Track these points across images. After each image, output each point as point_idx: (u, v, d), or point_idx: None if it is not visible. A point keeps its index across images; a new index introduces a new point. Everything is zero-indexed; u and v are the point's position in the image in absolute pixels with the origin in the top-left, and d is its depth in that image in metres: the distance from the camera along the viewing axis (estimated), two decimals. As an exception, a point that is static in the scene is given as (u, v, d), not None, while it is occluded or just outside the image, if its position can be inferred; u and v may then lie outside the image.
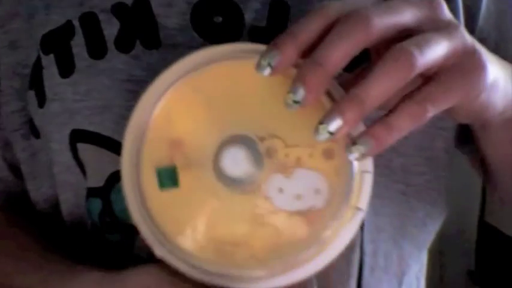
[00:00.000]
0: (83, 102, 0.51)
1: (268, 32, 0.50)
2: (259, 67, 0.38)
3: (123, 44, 0.51)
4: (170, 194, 0.42)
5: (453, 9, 0.51)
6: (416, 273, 0.59)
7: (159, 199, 0.42)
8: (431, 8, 0.39)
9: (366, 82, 0.36)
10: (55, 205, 0.56)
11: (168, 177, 0.42)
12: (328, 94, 0.41)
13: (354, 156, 0.38)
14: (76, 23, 0.52)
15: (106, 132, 0.51)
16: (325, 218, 0.41)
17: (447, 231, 0.62)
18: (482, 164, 0.56)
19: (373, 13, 0.37)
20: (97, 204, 0.52)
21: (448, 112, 0.39)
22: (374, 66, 0.36)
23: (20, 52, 0.55)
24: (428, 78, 0.38)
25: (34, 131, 0.55)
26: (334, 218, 0.41)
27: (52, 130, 0.53)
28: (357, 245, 0.52)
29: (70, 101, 0.52)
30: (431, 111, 0.37)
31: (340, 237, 0.42)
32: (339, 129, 0.37)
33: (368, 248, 0.52)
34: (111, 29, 0.51)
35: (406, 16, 0.38)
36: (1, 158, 0.59)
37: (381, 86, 0.36)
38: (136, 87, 0.50)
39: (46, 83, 0.53)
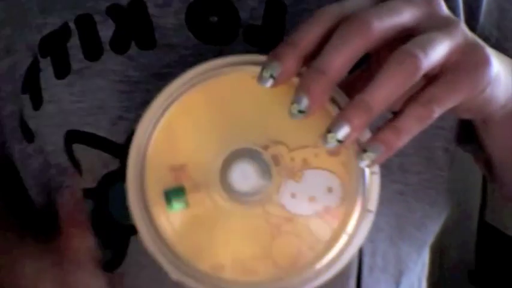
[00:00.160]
0: (78, 103, 0.51)
1: (264, 31, 0.50)
2: (261, 79, 0.38)
3: (119, 45, 0.51)
4: (180, 215, 0.42)
5: (453, 8, 0.51)
6: (418, 273, 0.59)
7: (169, 222, 0.42)
8: (430, 7, 0.39)
9: (371, 87, 0.36)
10: (43, 209, 0.56)
11: (177, 199, 0.41)
12: (330, 97, 0.40)
13: (365, 163, 0.38)
14: (72, 25, 0.52)
15: (101, 132, 0.51)
16: (341, 217, 0.41)
17: (447, 232, 0.62)
18: (487, 163, 0.56)
19: (373, 16, 0.37)
20: (89, 205, 0.52)
21: (451, 108, 0.39)
22: (378, 71, 0.36)
23: (13, 57, 0.55)
24: (432, 77, 0.38)
25: (27, 135, 0.55)
26: (350, 215, 0.41)
27: (48, 132, 0.53)
28: None
29: (66, 102, 0.52)
30: (438, 112, 0.37)
31: (355, 237, 0.42)
32: (347, 136, 0.37)
33: (367, 247, 0.52)
34: (106, 30, 0.51)
35: (406, 16, 0.38)
36: None
37: (386, 90, 0.36)
38: (131, 88, 0.50)
39: (43, 86, 0.53)
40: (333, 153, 0.41)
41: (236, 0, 0.50)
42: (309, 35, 0.38)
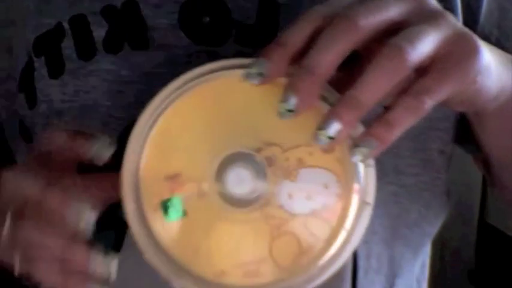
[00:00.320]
0: (71, 102, 0.52)
1: (257, 30, 0.50)
2: (248, 76, 0.39)
3: (112, 45, 0.51)
4: (179, 225, 0.42)
5: (451, 8, 0.51)
6: (417, 275, 0.59)
7: (168, 231, 0.42)
8: (417, 0, 0.39)
9: (360, 82, 0.36)
10: None
11: (174, 208, 0.42)
12: (320, 95, 0.40)
13: (358, 158, 0.38)
14: (66, 25, 0.52)
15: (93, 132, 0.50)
16: (339, 212, 0.41)
17: (447, 232, 0.61)
18: (485, 163, 0.56)
19: (359, 14, 0.37)
20: None
21: (444, 101, 0.39)
22: (367, 66, 0.36)
23: (13, 57, 0.56)
24: (423, 70, 0.38)
25: (24, 135, 0.56)
26: (347, 210, 0.41)
27: (42, 131, 0.53)
28: None
29: (58, 101, 0.52)
30: (429, 103, 0.37)
31: (355, 232, 0.42)
32: (339, 132, 0.37)
33: (361, 250, 0.52)
34: (100, 30, 0.51)
35: (392, 11, 0.38)
36: None
37: (376, 85, 0.36)
38: (123, 87, 0.50)
39: (37, 85, 0.53)
40: (327, 150, 0.40)
41: (229, 0, 0.50)
42: (297, 35, 0.38)
